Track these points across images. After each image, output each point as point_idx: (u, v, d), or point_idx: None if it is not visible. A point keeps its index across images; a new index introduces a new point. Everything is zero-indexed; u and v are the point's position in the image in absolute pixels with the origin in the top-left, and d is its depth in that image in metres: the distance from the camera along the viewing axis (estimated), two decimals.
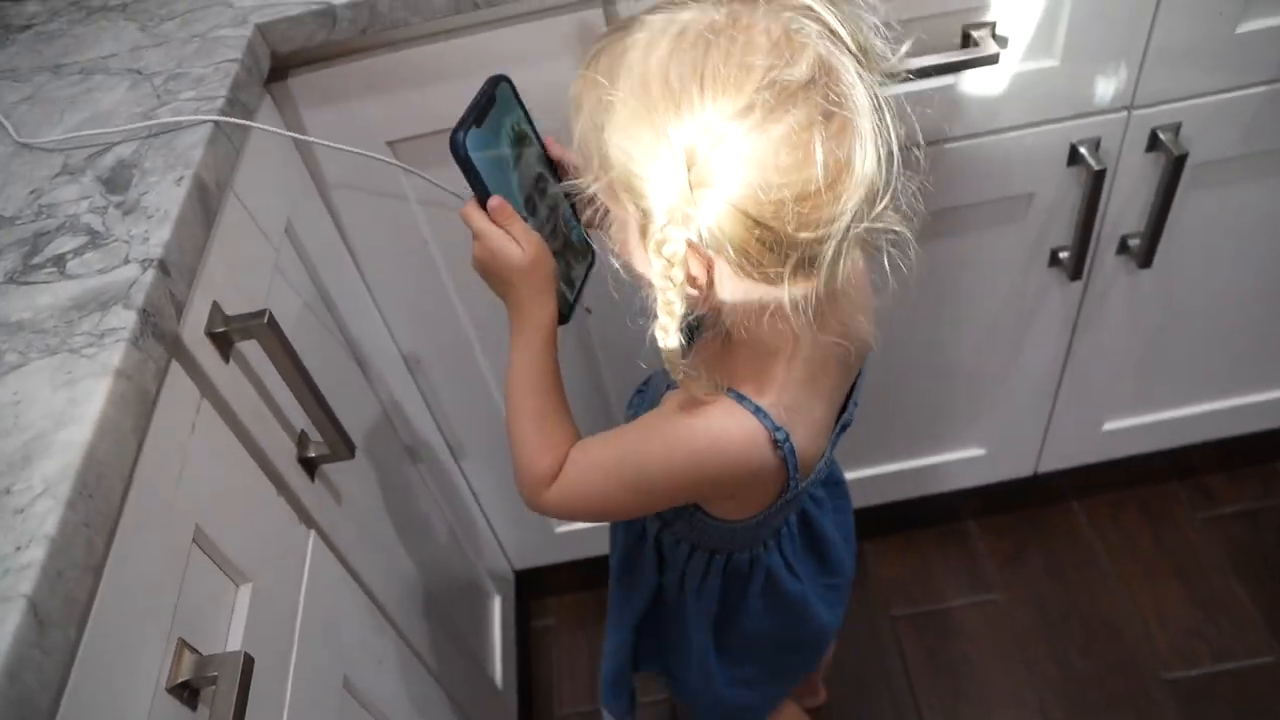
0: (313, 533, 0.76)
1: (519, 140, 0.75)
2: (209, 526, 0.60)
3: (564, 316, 0.76)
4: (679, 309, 0.58)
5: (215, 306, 0.65)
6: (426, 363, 1.09)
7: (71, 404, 0.50)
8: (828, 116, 0.53)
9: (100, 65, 0.79)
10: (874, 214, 0.56)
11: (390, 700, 0.85)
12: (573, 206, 0.78)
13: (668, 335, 0.60)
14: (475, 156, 0.68)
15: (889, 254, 0.60)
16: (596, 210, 0.64)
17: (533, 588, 1.49)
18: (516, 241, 0.71)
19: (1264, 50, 0.92)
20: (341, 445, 0.76)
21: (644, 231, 0.58)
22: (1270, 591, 1.36)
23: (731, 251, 0.55)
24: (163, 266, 0.58)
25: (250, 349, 0.69)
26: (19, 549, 0.43)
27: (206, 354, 0.63)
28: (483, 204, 0.70)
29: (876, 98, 0.56)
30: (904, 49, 0.59)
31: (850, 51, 0.56)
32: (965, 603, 1.42)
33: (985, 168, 1.00)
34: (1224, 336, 1.23)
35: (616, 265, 0.65)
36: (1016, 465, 1.39)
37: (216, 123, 0.69)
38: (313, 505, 0.76)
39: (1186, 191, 1.03)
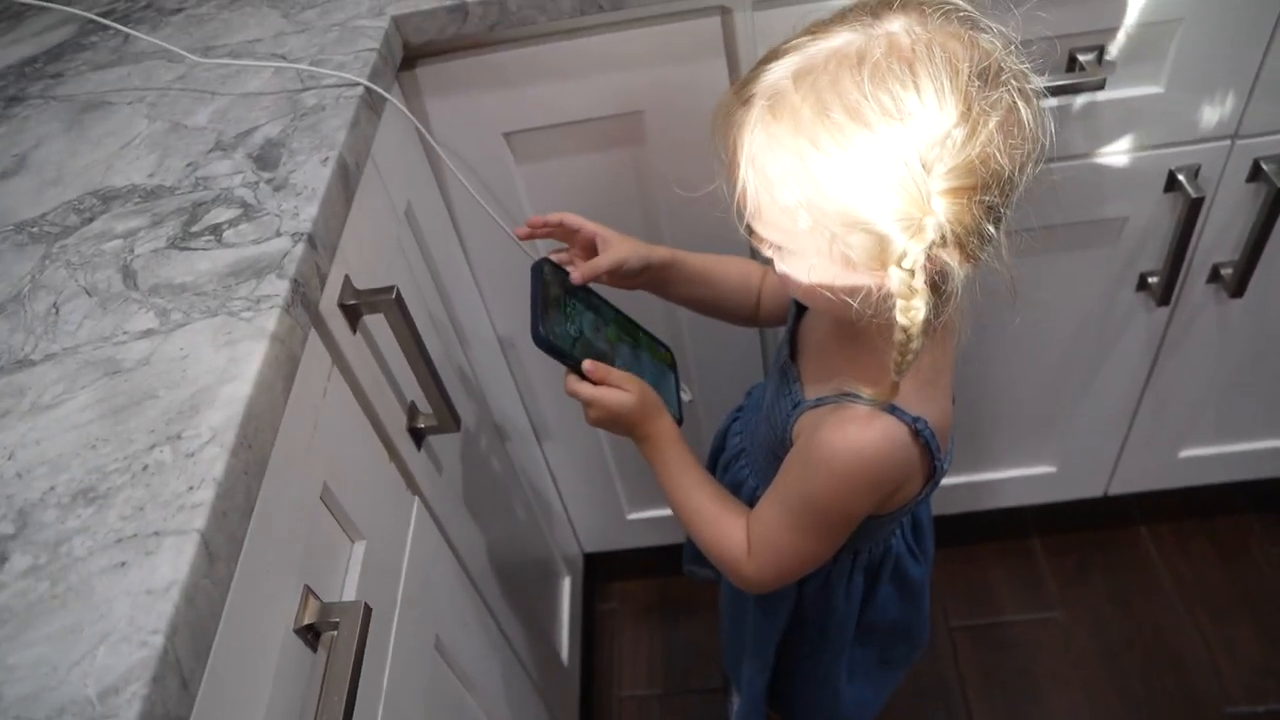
0: (417, 499, 0.80)
1: (577, 303, 0.82)
2: (334, 485, 0.64)
3: (677, 420, 0.84)
4: (921, 314, 0.59)
5: (347, 280, 0.70)
6: (520, 347, 1.14)
7: (232, 362, 0.54)
8: (1021, 92, 0.57)
9: (247, 49, 0.85)
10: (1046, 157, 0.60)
11: (473, 663, 0.89)
12: (634, 325, 0.88)
13: (911, 341, 0.60)
14: (557, 337, 0.77)
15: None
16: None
17: (600, 572, 1.52)
18: (620, 387, 0.78)
19: None
20: (449, 417, 0.80)
21: (877, 255, 0.59)
22: None
23: (972, 238, 0.58)
24: (311, 241, 0.62)
25: (374, 321, 0.74)
26: (191, 489, 0.48)
27: (339, 324, 0.68)
28: (577, 371, 0.78)
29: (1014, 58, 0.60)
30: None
31: (989, 28, 0.60)
32: (1025, 619, 1.43)
33: (1081, 190, 1.01)
34: None
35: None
36: (1087, 485, 1.39)
37: (364, 98, 0.74)
38: (418, 473, 0.80)
39: None
